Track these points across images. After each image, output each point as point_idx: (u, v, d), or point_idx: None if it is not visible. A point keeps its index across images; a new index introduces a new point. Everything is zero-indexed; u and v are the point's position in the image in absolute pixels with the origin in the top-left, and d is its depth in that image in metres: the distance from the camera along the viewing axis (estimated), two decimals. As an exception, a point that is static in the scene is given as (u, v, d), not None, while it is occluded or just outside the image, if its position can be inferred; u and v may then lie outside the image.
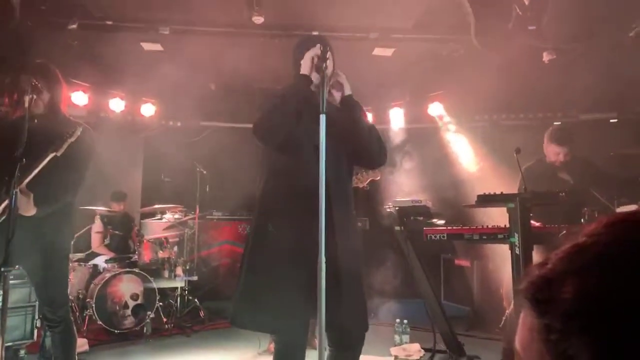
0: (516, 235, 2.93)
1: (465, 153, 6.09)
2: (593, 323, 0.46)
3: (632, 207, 3.43)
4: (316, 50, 2.15)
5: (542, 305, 0.50)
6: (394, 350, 4.00)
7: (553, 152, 3.67)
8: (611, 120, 5.88)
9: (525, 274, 0.55)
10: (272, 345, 3.67)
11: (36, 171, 2.35)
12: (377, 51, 4.99)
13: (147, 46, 4.93)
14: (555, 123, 6.01)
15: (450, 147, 6.22)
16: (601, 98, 5.62)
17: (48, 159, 2.36)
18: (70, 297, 3.85)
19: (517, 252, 2.91)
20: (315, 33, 4.08)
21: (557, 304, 0.49)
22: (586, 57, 4.35)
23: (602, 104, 5.82)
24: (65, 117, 2.66)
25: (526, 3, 3.36)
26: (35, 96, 2.44)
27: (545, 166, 3.71)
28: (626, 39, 4.11)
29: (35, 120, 2.48)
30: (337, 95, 2.25)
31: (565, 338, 0.47)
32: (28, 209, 2.37)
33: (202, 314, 5.19)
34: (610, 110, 5.88)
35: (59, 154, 2.37)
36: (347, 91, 2.23)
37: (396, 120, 6.33)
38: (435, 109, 6.12)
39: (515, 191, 3.36)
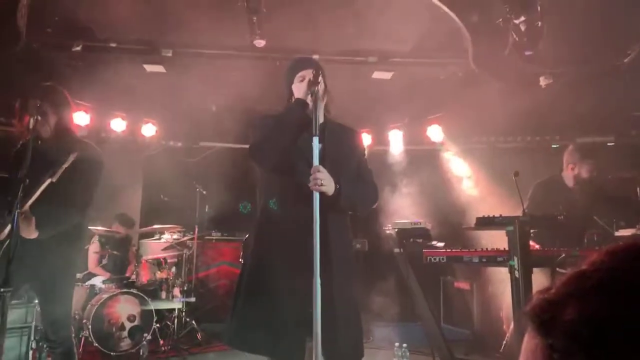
0: (515, 258, 2.93)
1: (464, 175, 6.12)
2: (593, 345, 0.49)
3: (630, 231, 3.44)
4: (308, 73, 2.18)
5: (546, 325, 0.53)
6: (393, 375, 3.95)
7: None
8: (608, 144, 5.93)
9: (530, 298, 0.58)
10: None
11: (35, 196, 2.36)
12: (377, 74, 5.07)
13: (149, 68, 5.00)
14: (553, 146, 6.07)
15: (449, 169, 6.25)
16: (598, 121, 5.69)
17: (45, 184, 2.38)
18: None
19: (517, 275, 2.90)
20: (315, 56, 4.15)
21: (560, 324, 0.51)
22: (582, 81, 4.41)
23: (599, 127, 5.88)
24: (74, 139, 2.69)
25: (522, 29, 3.43)
26: (40, 118, 2.47)
27: (560, 184, 3.69)
28: (621, 64, 4.19)
29: (40, 142, 2.51)
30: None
31: (568, 357, 0.50)
32: (30, 232, 2.39)
33: (199, 336, 5.12)
34: (607, 134, 5.94)
35: (54, 179, 2.38)
36: None
37: (395, 142, 6.37)
38: (434, 132, 6.18)
39: (515, 213, 3.37)
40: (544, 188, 3.56)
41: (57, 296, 2.59)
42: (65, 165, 2.41)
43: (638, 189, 3.60)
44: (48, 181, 2.38)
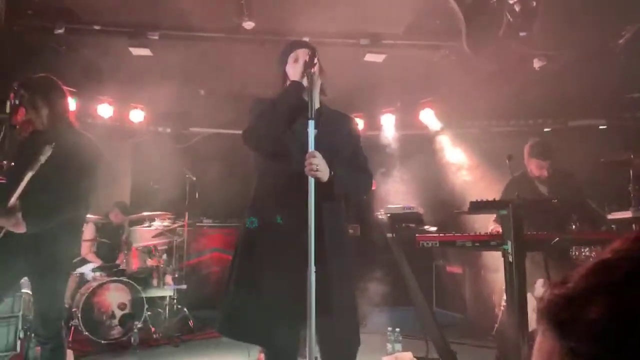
0: (509, 242, 2.90)
1: (456, 159, 6.09)
2: (626, 345, 0.42)
3: (623, 214, 3.44)
4: (302, 53, 2.12)
5: (566, 327, 0.46)
6: (386, 359, 3.96)
7: (537, 167, 3.68)
8: (600, 127, 5.92)
9: (543, 294, 0.51)
10: (262, 356, 3.60)
11: (19, 190, 2.32)
12: (369, 57, 4.99)
13: (135, 51, 4.87)
14: (545, 130, 6.05)
15: (442, 153, 6.22)
16: (590, 104, 5.67)
17: (27, 178, 2.33)
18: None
19: (510, 259, 2.88)
20: (306, 39, 4.06)
21: (584, 325, 0.45)
22: (576, 63, 4.37)
23: (591, 111, 5.86)
24: (68, 130, 2.63)
25: (517, 10, 3.37)
26: (30, 110, 2.45)
27: (528, 179, 3.71)
28: (615, 45, 4.15)
29: (33, 134, 2.48)
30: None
31: None
32: (16, 226, 2.36)
33: (191, 323, 5.10)
34: (599, 117, 5.92)
35: (32, 172, 2.34)
36: None
37: (387, 126, 6.32)
38: (427, 115, 6.13)
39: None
40: (514, 184, 3.57)
41: (50, 291, 2.55)
42: (43, 157, 2.35)
43: (630, 171, 3.58)
44: (29, 174, 2.32)
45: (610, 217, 3.58)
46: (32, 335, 3.36)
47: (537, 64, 4.13)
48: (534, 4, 3.32)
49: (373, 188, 4.12)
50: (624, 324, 0.43)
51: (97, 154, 2.68)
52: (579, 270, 0.49)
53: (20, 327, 3.55)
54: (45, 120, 2.57)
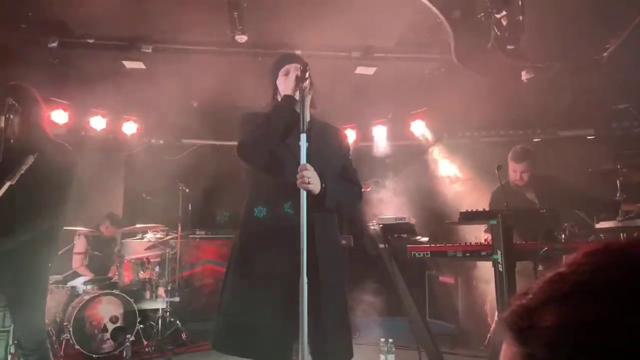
0: (499, 252, 2.94)
1: (447, 170, 6.15)
2: (575, 350, 0.46)
3: (610, 223, 3.48)
4: (293, 68, 2.16)
5: (524, 334, 0.50)
6: (379, 370, 3.95)
7: (511, 170, 3.74)
8: (588, 137, 6.01)
9: (507, 304, 0.54)
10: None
11: None
12: (360, 70, 5.04)
13: (129, 64, 4.90)
14: (534, 140, 6.13)
15: (433, 164, 6.28)
16: (578, 115, 5.75)
17: (5, 187, 2.27)
18: (46, 320, 3.73)
19: (500, 269, 2.91)
20: (298, 52, 4.11)
21: (539, 332, 0.48)
22: (563, 75, 4.45)
23: (579, 121, 5.96)
24: (41, 138, 2.57)
25: (504, 23, 3.44)
26: (12, 116, 2.38)
27: (512, 188, 3.76)
28: (600, 57, 4.23)
29: (11, 141, 2.42)
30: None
31: None
32: None
33: (184, 336, 5.07)
34: (588, 127, 6.02)
35: (13, 182, 2.28)
36: None
37: (379, 137, 6.37)
38: (418, 127, 6.19)
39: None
40: (499, 193, 3.63)
41: (27, 303, 2.51)
42: (25, 167, 2.30)
43: (618, 181, 3.63)
44: (7, 184, 2.27)
45: (598, 226, 3.62)
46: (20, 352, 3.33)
47: (525, 76, 4.20)
48: (520, 17, 3.39)
49: (367, 189, 4.17)
50: (572, 330, 0.46)
51: (73, 162, 2.63)
52: (538, 282, 0.53)
53: (10, 341, 3.51)
54: (16, 128, 2.49)
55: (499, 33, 3.47)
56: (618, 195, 3.55)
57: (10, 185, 2.28)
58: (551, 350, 0.47)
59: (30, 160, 2.32)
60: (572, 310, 0.48)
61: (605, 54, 4.09)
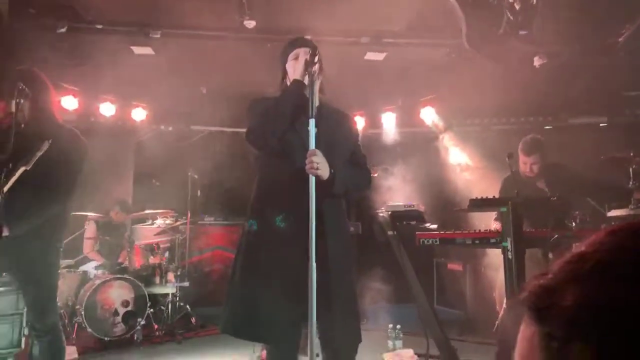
0: (508, 239, 2.92)
1: (458, 157, 6.10)
2: (594, 330, 0.45)
3: (622, 211, 3.44)
4: (302, 52, 2.14)
5: (543, 313, 0.50)
6: (387, 356, 3.98)
7: (521, 162, 3.72)
8: (601, 124, 5.92)
9: (525, 284, 0.54)
10: (264, 353, 3.63)
11: (8, 185, 2.27)
12: (369, 55, 4.99)
13: (137, 50, 4.89)
14: (545, 127, 6.06)
15: (443, 151, 6.23)
16: (591, 102, 5.66)
17: (19, 173, 2.28)
18: (59, 304, 3.79)
19: (510, 256, 2.90)
20: (307, 37, 4.07)
21: (558, 311, 0.48)
22: (576, 61, 4.38)
23: (592, 108, 5.87)
24: (52, 124, 2.58)
25: (517, 8, 3.37)
26: (22, 100, 2.38)
27: (522, 177, 3.73)
28: (615, 43, 4.15)
29: (22, 126, 2.43)
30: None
31: (567, 345, 0.47)
32: None
33: (193, 320, 5.13)
34: (600, 114, 5.93)
35: (28, 167, 2.29)
36: None
37: (388, 124, 6.33)
38: (428, 113, 6.13)
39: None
40: (509, 180, 3.60)
41: (38, 285, 2.54)
42: (39, 153, 2.31)
43: (630, 169, 3.58)
44: (22, 169, 2.28)
45: (609, 214, 3.58)
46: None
47: (537, 61, 4.13)
48: (534, 1, 3.33)
49: (375, 175, 4.16)
50: (591, 310, 0.46)
51: (83, 147, 2.64)
52: (558, 262, 0.53)
53: (24, 323, 3.58)
54: (26, 113, 2.49)
55: (511, 17, 3.41)
56: (631, 183, 3.50)
57: (25, 170, 2.29)
58: (570, 329, 0.47)
59: (46, 146, 2.33)
60: (593, 290, 0.47)
61: (620, 39, 4.00)
